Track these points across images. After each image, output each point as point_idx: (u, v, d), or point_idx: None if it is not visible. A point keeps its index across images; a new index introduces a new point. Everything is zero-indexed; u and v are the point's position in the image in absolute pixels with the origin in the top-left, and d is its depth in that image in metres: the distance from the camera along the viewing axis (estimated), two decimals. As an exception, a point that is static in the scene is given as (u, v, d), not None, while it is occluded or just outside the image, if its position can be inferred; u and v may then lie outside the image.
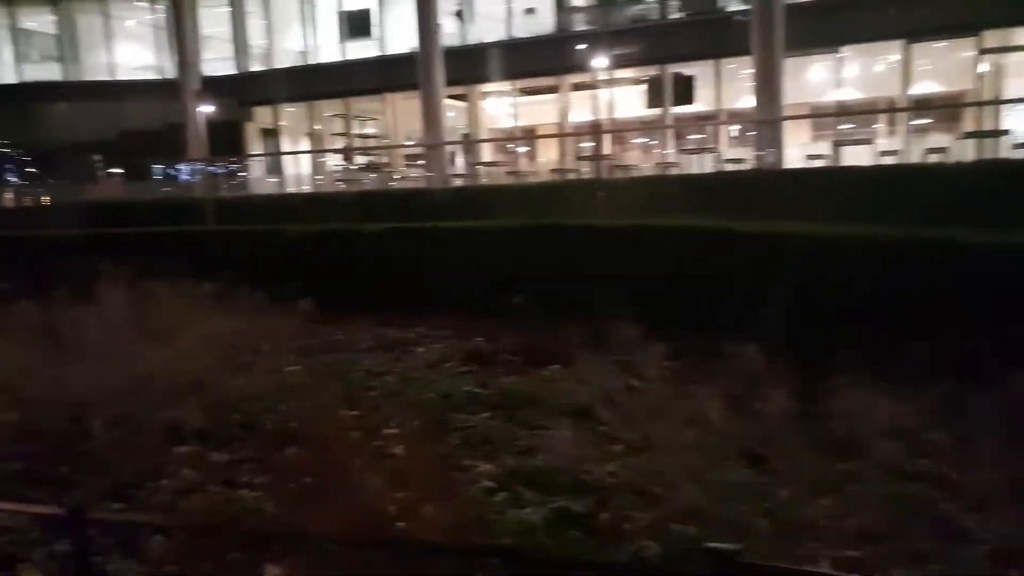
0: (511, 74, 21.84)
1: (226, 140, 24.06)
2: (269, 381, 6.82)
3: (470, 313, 9.50)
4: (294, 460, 5.04)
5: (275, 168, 25.54)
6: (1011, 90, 18.98)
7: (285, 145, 26.39)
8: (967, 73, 19.58)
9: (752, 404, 4.92)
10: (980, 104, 18.65)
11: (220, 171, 21.93)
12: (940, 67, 20.42)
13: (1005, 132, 13.58)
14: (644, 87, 19.86)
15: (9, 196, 28.73)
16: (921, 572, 3.21)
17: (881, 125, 20.68)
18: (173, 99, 23.98)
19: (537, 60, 21.48)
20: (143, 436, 5.44)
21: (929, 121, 20.05)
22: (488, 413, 5.78)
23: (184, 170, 25.01)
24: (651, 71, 20.32)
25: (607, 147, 17.51)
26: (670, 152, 19.94)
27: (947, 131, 17.83)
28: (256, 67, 26.26)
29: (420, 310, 9.90)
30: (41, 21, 29.46)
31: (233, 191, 22.07)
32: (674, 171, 17.98)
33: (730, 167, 17.12)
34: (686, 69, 19.10)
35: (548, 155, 22.32)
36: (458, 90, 22.10)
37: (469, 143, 22.42)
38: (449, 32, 21.47)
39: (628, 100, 21.55)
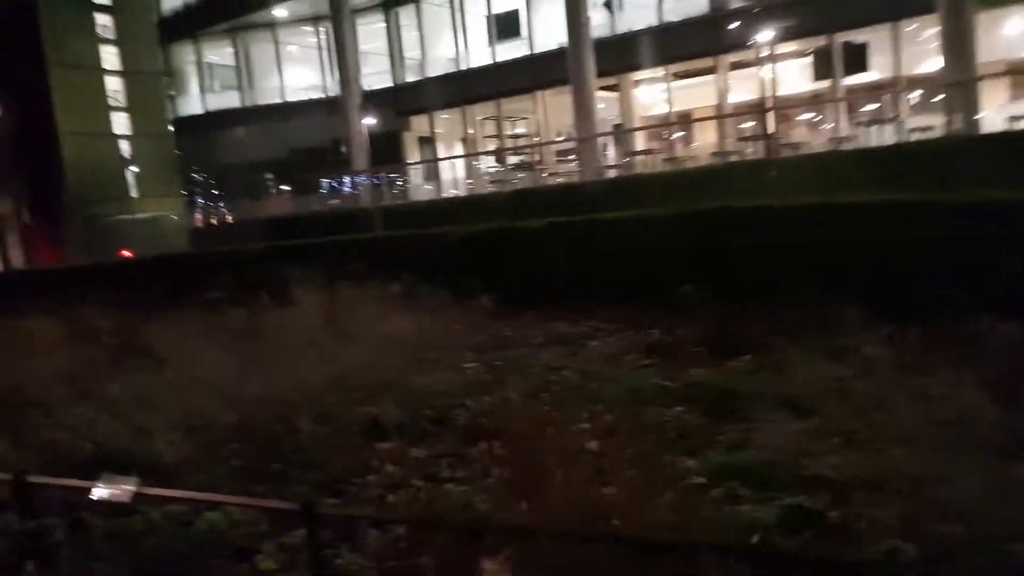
0: (664, 59, 21.20)
1: (386, 150, 25.18)
2: (452, 377, 6.95)
3: (639, 304, 9.24)
4: (491, 455, 5.06)
5: (432, 174, 26.41)
6: None
7: (441, 151, 27.22)
8: None
9: (991, 390, 4.33)
10: None
11: (381, 181, 22.99)
12: None
13: None
14: (810, 59, 18.58)
15: (199, 216, 31.86)
16: None
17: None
18: (336, 115, 25.43)
19: (691, 42, 20.68)
20: (345, 433, 5.67)
21: None
22: (681, 407, 5.51)
23: (347, 182, 26.48)
24: (818, 41, 18.96)
25: (772, 125, 16.48)
26: (843, 126, 18.52)
27: None
28: (411, 78, 27.28)
29: (587, 303, 9.77)
30: (221, 54, 32.32)
31: (395, 199, 23.08)
32: (849, 146, 16.68)
33: (916, 136, 15.64)
34: (858, 36, 17.66)
35: (705, 139, 21.46)
36: (609, 81, 21.75)
37: (622, 133, 22.02)
38: (598, 24, 21.16)
39: (792, 75, 20.29)
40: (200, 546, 4.23)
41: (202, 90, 33.06)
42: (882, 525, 3.33)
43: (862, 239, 7.67)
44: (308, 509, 3.16)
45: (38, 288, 14.58)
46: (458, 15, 25.89)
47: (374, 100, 25.08)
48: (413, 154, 27.55)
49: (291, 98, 30.25)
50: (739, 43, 18.70)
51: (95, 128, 45.91)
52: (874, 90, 19.86)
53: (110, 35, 48.37)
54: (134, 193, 48.92)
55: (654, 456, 4.67)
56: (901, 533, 3.18)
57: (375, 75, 27.50)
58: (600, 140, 20.80)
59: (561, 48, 20.89)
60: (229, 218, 29.77)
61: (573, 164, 21.14)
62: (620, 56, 21.32)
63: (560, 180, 20.04)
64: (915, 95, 19.74)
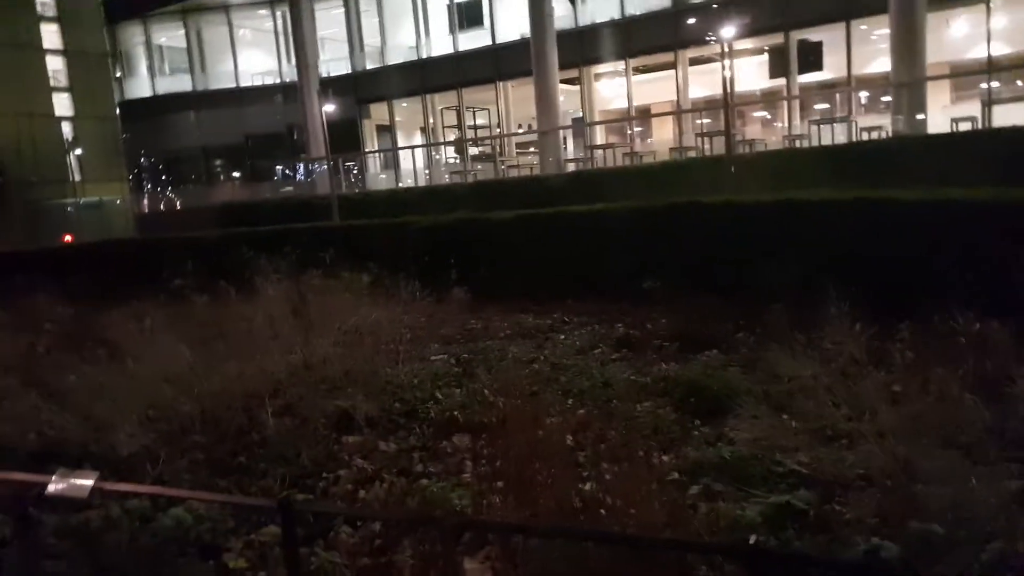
0: (625, 53, 21.30)
1: (344, 138, 24.78)
2: (420, 370, 6.85)
3: (604, 297, 9.27)
4: (465, 449, 4.99)
5: (391, 163, 26.11)
6: None
7: (400, 140, 26.89)
8: None
9: (949, 387, 4.43)
10: None
11: (339, 170, 22.62)
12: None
13: None
14: (766, 56, 18.87)
15: (146, 202, 30.93)
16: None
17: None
18: (293, 101, 24.91)
19: (652, 36, 20.84)
20: (313, 425, 5.53)
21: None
22: (650, 403, 5.52)
23: (302, 170, 25.99)
24: (775, 39, 19.28)
25: (730, 122, 16.71)
26: (797, 124, 18.90)
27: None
28: (371, 65, 26.84)
29: (553, 296, 9.76)
30: (172, 36, 31.34)
31: (353, 187, 22.75)
32: (803, 144, 17.05)
33: (866, 136, 16.07)
34: (813, 35, 18.01)
35: (664, 134, 21.66)
36: (571, 73, 21.77)
37: (585, 126, 22.07)
38: (560, 15, 21.14)
39: (750, 72, 20.57)
40: (164, 543, 4.07)
41: (151, 73, 32.07)
42: (862, 523, 3.37)
43: (826, 236, 7.80)
44: (285, 506, 3.05)
45: (-23, 274, 13.93)
46: (419, 2, 25.57)
47: (332, 87, 24.65)
48: (372, 142, 27.17)
49: (246, 83, 29.52)
50: (699, 38, 18.90)
51: (35, 109, 44.07)
52: (827, 88, 20.32)
53: (51, 13, 46.43)
54: (77, 177, 47.11)
55: (630, 451, 4.66)
56: (881, 531, 3.22)
57: (333, 61, 27.03)
58: (561, 133, 20.82)
59: (524, 39, 20.82)
60: (178, 204, 29.00)
61: (534, 157, 21.13)
62: (582, 49, 21.36)
63: (521, 172, 20.02)
64: (865, 95, 20.28)
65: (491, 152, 22.11)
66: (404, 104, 26.24)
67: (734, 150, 15.56)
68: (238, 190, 29.05)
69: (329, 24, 26.95)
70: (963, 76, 19.04)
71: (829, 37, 18.29)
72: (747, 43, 19.58)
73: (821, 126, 17.17)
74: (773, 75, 19.16)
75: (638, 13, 21.24)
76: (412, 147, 25.78)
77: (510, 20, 22.90)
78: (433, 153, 25.13)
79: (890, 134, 15.74)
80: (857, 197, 7.97)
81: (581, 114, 22.66)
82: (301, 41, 24.18)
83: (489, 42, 23.94)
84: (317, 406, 5.75)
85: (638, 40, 20.93)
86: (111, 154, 40.71)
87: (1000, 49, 18.78)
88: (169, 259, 10.58)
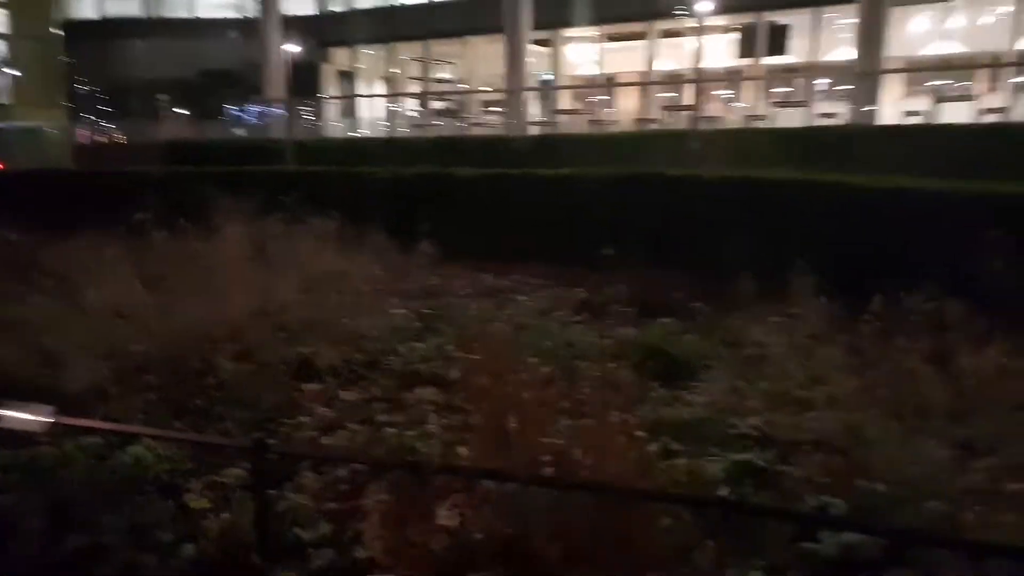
0: (598, 19, 21.17)
1: (303, 81, 24.09)
2: (379, 323, 6.82)
3: (565, 262, 9.36)
4: (426, 401, 5.03)
5: (349, 111, 25.51)
6: None
7: (361, 88, 26.29)
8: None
9: (885, 359, 4.66)
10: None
11: (296, 113, 22.00)
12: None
13: None
14: (736, 36, 19.03)
15: (85, 132, 29.53)
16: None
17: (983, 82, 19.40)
18: (252, 38, 24.03)
19: (626, 5, 20.74)
20: (271, 371, 5.48)
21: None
22: (612, 364, 5.64)
23: (253, 111, 25.15)
24: (745, 18, 19.42)
25: (695, 97, 16.88)
26: (759, 105, 19.16)
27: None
28: (336, 8, 26.04)
29: (513, 256, 9.79)
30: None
31: (309, 133, 22.18)
32: (763, 124, 17.31)
33: (822, 122, 16.42)
34: (783, 18, 18.22)
35: (629, 105, 21.71)
36: (542, 35, 21.55)
37: (553, 89, 21.93)
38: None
39: (718, 49, 20.72)
40: (122, 481, 4.02)
41: (98, -7, 30.48)
42: (812, 482, 3.56)
43: (787, 215, 8.00)
44: (260, 447, 3.05)
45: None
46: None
47: (294, 27, 23.84)
48: (332, 88, 26.49)
49: (202, 14, 28.30)
50: (672, 11, 18.90)
51: (-34, 25, 41.52)
52: (789, 72, 20.63)
53: (-12, -79, 43.48)
54: (9, 99, 44.60)
55: (597, 408, 4.77)
56: (830, 489, 3.42)
57: (297, 0, 26.13)
58: (527, 94, 20.66)
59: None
60: (122, 137, 27.77)
61: (499, 116, 20.92)
62: (555, 10, 21.13)
63: (485, 131, 19.82)
64: (824, 82, 20.69)
65: (455, 108, 21.78)
66: (368, 51, 25.62)
67: (697, 125, 15.72)
68: (186, 127, 27.99)
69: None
70: (917, 72, 19.57)
71: (797, 21, 18.54)
72: (719, 20, 19.71)
73: (783, 108, 17.48)
74: (742, 55, 19.38)
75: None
76: (374, 96, 25.25)
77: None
78: (394, 104, 24.66)
79: (848, 122, 16.14)
80: (815, 180, 8.19)
81: (552, 76, 22.51)
82: (264, -26, 23.29)
83: (462, -7, 23.49)
84: (277, 352, 5.70)
85: (612, 6, 20.81)
86: (49, 78, 38.57)
87: (954, 48, 19.36)
88: (116, 193, 10.21)
